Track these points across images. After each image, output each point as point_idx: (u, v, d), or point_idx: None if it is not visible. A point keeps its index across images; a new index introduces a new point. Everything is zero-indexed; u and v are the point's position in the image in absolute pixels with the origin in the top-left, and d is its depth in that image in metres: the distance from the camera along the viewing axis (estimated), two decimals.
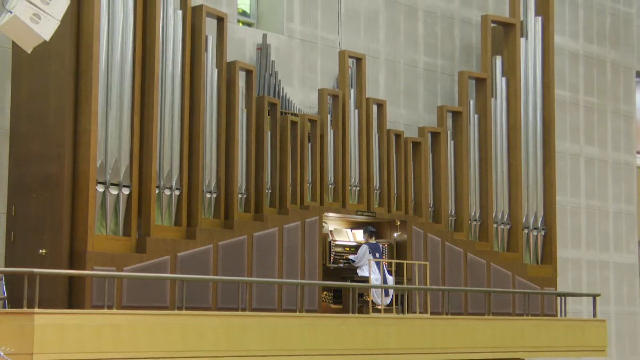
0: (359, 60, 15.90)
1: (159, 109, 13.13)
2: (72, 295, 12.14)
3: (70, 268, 12.13)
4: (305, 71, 16.40)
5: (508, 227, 17.69)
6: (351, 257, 15.45)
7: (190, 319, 12.12)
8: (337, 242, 15.54)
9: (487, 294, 16.05)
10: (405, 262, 15.44)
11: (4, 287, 11.92)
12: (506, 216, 17.68)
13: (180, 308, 12.26)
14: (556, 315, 17.38)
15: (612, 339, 20.17)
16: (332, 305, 15.21)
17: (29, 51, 10.15)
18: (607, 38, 21.49)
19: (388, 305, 15.00)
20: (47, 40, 9.91)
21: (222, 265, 13.35)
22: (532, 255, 18.01)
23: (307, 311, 13.66)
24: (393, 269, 15.29)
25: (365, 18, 17.37)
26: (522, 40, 18.25)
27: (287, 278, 13.96)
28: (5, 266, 12.67)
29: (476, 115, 17.56)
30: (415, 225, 15.89)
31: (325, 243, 15.20)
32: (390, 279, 15.19)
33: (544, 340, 16.33)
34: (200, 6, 13.82)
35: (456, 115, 17.31)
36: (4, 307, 11.82)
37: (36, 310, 10.72)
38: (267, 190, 14.42)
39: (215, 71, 13.97)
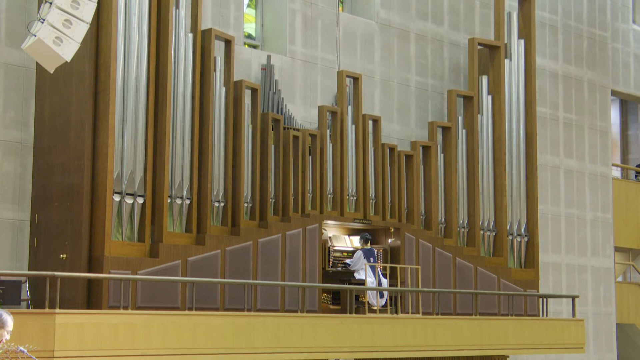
0: (355, 79, 15.89)
1: (171, 124, 13.12)
2: (91, 297, 12.11)
3: (89, 271, 12.10)
4: (306, 89, 16.39)
5: (494, 233, 17.66)
6: (347, 261, 15.43)
7: (200, 318, 12.09)
8: (335, 248, 15.50)
9: (474, 296, 16.01)
10: (398, 266, 15.41)
11: (28, 289, 11.89)
12: (492, 223, 17.65)
13: (190, 308, 12.25)
14: (538, 315, 17.34)
15: (589, 337, 20.13)
16: (331, 306, 15.16)
17: (52, 71, 10.16)
18: (584, 59, 21.49)
19: (383, 306, 14.96)
20: (68, 61, 9.91)
21: (229, 268, 13.31)
22: (516, 259, 17.96)
23: (308, 311, 13.60)
24: (387, 272, 15.24)
25: (361, 40, 17.36)
26: (507, 61, 18.25)
27: (289, 281, 13.92)
28: (29, 270, 12.66)
29: (464, 130, 17.54)
30: (408, 232, 15.85)
31: (325, 248, 15.16)
32: (385, 282, 15.15)
33: (527, 338, 16.29)
34: (210, 30, 13.82)
35: (445, 130, 17.30)
36: (28, 307, 11.79)
37: (57, 310, 10.71)
38: (271, 200, 14.39)
39: (223, 89, 13.96)
